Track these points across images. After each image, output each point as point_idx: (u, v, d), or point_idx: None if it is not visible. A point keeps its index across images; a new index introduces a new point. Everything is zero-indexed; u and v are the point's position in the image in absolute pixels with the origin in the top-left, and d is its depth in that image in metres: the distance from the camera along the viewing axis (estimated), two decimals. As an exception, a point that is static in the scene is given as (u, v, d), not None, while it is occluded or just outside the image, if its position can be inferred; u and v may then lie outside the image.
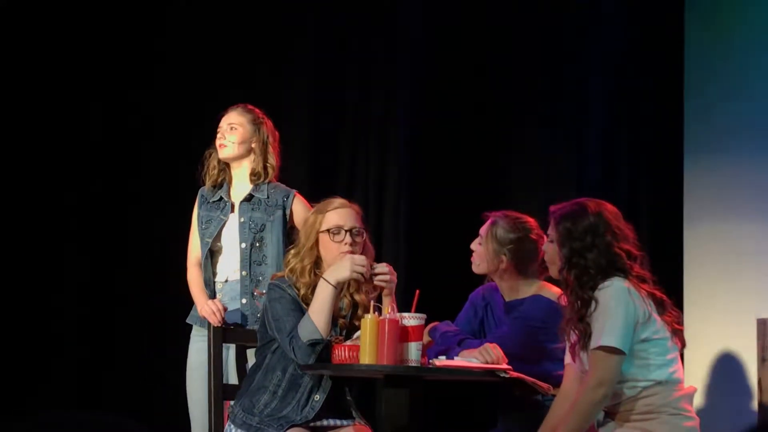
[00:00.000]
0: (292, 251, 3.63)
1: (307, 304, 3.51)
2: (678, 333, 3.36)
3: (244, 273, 4.06)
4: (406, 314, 3.38)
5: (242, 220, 4.10)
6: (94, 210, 5.11)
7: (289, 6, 5.25)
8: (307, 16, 5.26)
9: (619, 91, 5.12)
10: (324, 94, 5.26)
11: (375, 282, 3.53)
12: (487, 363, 3.52)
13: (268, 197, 4.15)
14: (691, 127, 5.03)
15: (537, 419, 3.48)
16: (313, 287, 3.51)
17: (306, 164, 5.21)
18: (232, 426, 3.58)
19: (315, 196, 3.82)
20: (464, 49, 5.20)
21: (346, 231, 3.55)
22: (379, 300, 3.53)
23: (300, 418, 3.52)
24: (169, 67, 5.21)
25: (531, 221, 3.86)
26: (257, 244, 4.08)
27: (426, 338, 3.65)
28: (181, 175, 4.49)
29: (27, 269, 4.99)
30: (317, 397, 3.54)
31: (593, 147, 5.09)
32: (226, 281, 4.11)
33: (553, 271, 3.47)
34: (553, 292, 3.78)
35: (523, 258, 3.80)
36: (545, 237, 3.58)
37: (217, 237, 4.11)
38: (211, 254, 4.12)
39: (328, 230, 3.55)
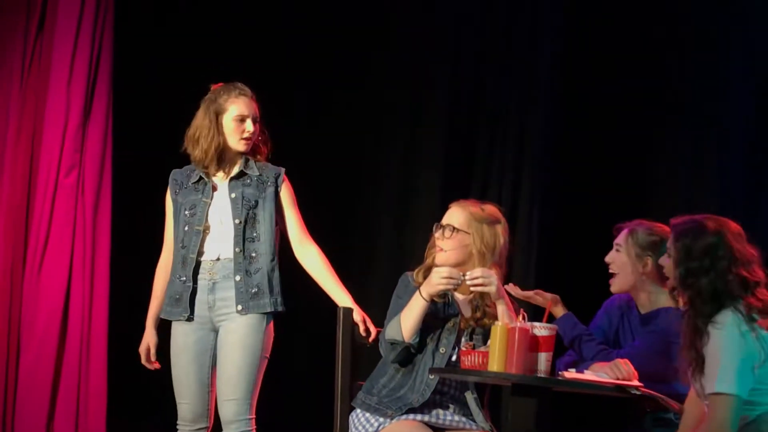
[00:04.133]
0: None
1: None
2: None
3: (237, 250, 3.92)
4: (537, 324, 3.38)
5: (233, 196, 3.97)
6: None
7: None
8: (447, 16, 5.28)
9: (762, 106, 4.99)
10: (461, 98, 5.27)
11: (470, 288, 3.60)
12: (617, 379, 3.48)
13: (260, 174, 4.01)
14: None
15: (666, 438, 3.44)
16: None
17: (440, 169, 5.23)
18: (356, 409, 3.75)
19: (448, 201, 3.85)
20: (605, 52, 5.14)
21: (437, 226, 3.73)
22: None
23: (416, 399, 3.62)
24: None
25: (666, 227, 3.80)
26: (251, 221, 3.94)
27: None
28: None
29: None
30: (432, 376, 3.62)
31: (738, 162, 4.97)
32: (218, 259, 3.95)
33: (670, 286, 3.39)
34: None
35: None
36: None
37: (205, 220, 3.96)
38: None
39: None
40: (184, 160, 4.09)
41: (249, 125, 4.01)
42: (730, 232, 3.28)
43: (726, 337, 3.17)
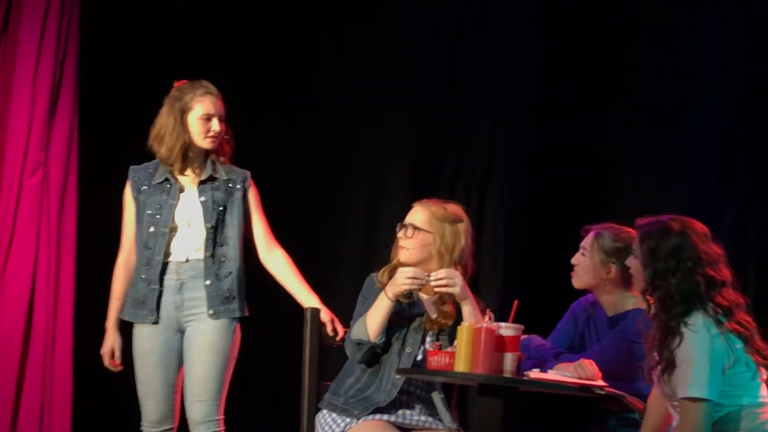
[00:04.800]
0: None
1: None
2: (764, 364, 3.26)
3: (208, 254, 3.92)
4: (503, 324, 3.39)
5: (203, 199, 3.95)
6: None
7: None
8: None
9: (733, 114, 5.01)
10: (431, 102, 5.28)
11: (434, 289, 3.63)
12: (581, 378, 3.49)
13: (227, 178, 3.99)
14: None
15: (631, 438, 3.46)
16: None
17: (408, 172, 5.23)
18: (323, 410, 3.76)
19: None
20: (575, 55, 5.15)
21: (400, 225, 3.76)
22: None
23: (382, 399, 3.64)
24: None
25: (633, 232, 3.82)
26: (220, 225, 3.94)
27: None
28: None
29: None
30: (398, 376, 3.65)
31: (707, 165, 4.99)
32: (187, 261, 3.93)
33: (637, 287, 3.41)
34: None
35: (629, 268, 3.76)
36: None
37: (171, 221, 3.94)
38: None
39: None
40: (151, 159, 4.07)
41: (215, 124, 3.98)
42: (694, 232, 3.29)
43: (698, 340, 3.18)
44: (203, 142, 3.98)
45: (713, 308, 3.22)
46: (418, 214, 3.76)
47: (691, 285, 3.23)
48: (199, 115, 3.98)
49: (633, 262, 3.39)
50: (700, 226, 3.33)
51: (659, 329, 3.25)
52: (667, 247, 3.26)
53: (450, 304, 3.70)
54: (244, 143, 4.16)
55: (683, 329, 3.20)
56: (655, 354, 3.27)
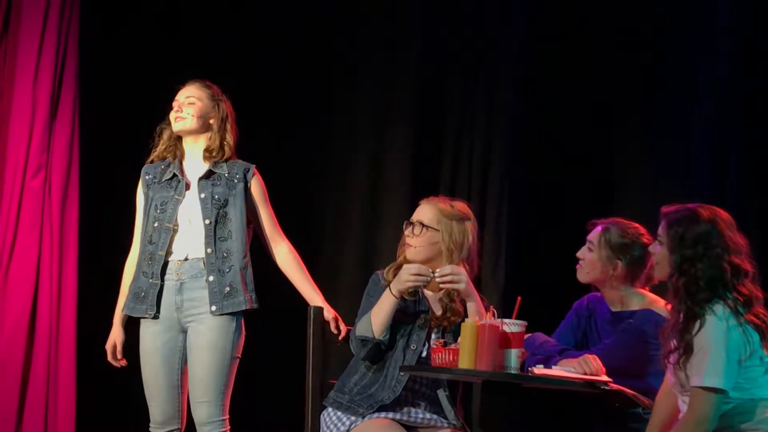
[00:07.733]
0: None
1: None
2: None
3: (209, 250, 3.92)
4: (507, 320, 3.39)
5: (203, 196, 3.96)
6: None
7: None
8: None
9: (732, 92, 5.01)
10: (429, 97, 5.28)
11: (440, 285, 3.63)
12: (585, 374, 3.50)
13: (228, 172, 4.00)
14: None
15: (635, 432, 3.47)
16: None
17: (409, 167, 5.23)
18: (328, 408, 3.75)
19: (416, 200, 3.87)
20: (570, 45, 5.15)
21: (407, 223, 3.75)
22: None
23: (387, 396, 3.64)
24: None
25: (641, 228, 3.84)
26: (221, 220, 3.95)
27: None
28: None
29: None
30: (403, 373, 3.64)
31: (702, 155, 4.99)
32: (186, 259, 3.93)
33: (659, 274, 3.40)
34: (661, 306, 3.73)
35: (636, 265, 3.77)
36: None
37: (176, 217, 3.96)
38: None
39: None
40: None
41: (177, 105, 4.03)
42: (722, 220, 3.32)
43: (716, 329, 3.20)
44: (173, 126, 4.04)
45: (734, 298, 3.24)
46: (425, 212, 3.76)
47: (717, 272, 3.25)
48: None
49: (657, 249, 3.39)
50: (726, 215, 3.35)
51: (681, 314, 3.26)
52: (695, 233, 3.28)
53: (458, 301, 3.70)
54: (242, 142, 4.16)
55: (705, 315, 3.22)
56: (674, 339, 3.27)
